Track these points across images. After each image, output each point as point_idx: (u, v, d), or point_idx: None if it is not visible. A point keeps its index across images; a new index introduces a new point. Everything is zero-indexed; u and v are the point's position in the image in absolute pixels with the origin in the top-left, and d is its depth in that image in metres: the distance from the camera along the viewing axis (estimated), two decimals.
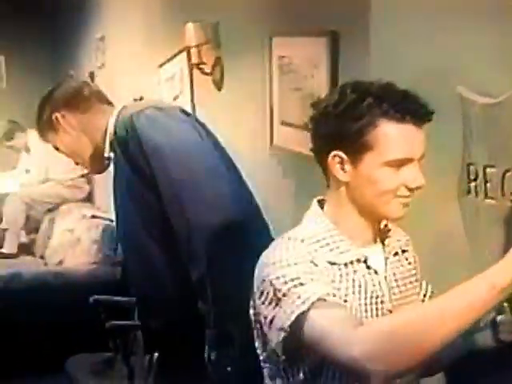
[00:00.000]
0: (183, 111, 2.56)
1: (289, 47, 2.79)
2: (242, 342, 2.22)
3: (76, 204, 5.91)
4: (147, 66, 4.54)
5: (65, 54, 7.16)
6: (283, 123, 2.91)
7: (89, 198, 6.24)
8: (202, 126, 2.56)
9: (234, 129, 3.45)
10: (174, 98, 4.17)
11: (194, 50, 3.55)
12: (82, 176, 6.19)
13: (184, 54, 3.80)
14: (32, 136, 5.89)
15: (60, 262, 5.25)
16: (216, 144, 2.52)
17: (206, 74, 3.59)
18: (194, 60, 3.57)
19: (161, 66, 4.25)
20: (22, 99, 6.89)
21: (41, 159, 5.96)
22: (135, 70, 4.93)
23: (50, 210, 5.95)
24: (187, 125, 2.46)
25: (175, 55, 3.99)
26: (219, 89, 3.58)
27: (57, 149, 2.71)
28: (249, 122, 3.34)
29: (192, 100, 3.92)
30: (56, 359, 3.76)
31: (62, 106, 2.63)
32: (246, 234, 2.32)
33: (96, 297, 3.81)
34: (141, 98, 4.75)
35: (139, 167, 2.38)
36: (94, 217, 5.33)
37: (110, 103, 2.66)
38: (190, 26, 3.48)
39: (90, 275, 4.80)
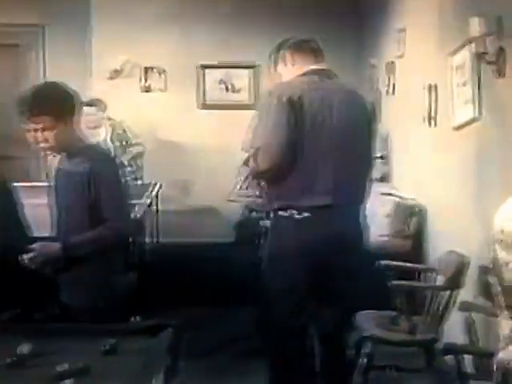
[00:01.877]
0: None
1: None
2: None
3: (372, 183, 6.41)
4: (440, 55, 4.92)
5: (368, 44, 7.71)
6: None
7: (385, 178, 6.71)
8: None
9: None
10: (463, 84, 4.52)
11: (479, 41, 3.89)
12: (381, 157, 6.69)
13: (471, 44, 4.15)
14: None
15: None
16: None
17: (490, 62, 3.90)
18: (479, 50, 3.90)
19: (451, 54, 4.62)
20: None
21: None
22: (429, 59, 5.32)
23: None
24: None
25: (463, 45, 4.34)
26: (501, 76, 3.88)
27: None
28: None
29: (478, 87, 4.25)
30: None
31: None
32: None
33: (386, 262, 4.33)
34: (434, 86, 5.16)
35: None
36: (387, 194, 5.83)
37: None
38: (475, 19, 3.83)
39: (381, 246, 5.33)
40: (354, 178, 3.54)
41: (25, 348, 2.59)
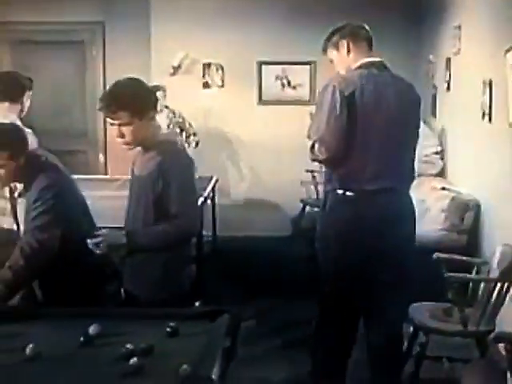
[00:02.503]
0: None
1: None
2: None
3: (428, 178, 6.45)
4: (496, 51, 4.95)
5: (426, 41, 7.74)
6: None
7: (441, 173, 6.74)
8: None
9: None
10: None
11: None
12: (436, 153, 6.73)
13: None
14: None
15: None
16: None
17: None
18: None
19: (507, 51, 4.65)
20: None
21: None
22: (485, 55, 5.36)
23: None
24: None
25: None
26: None
27: None
28: None
29: None
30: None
31: None
32: None
33: (439, 254, 4.39)
34: (490, 82, 5.19)
35: None
36: (443, 189, 5.88)
37: None
38: None
39: (437, 241, 5.39)
40: (401, 165, 3.81)
41: (94, 329, 2.76)
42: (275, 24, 8.08)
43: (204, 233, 6.78)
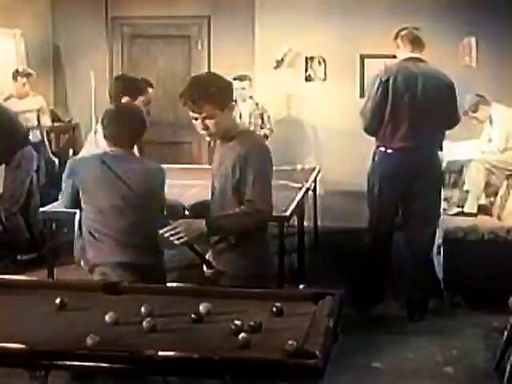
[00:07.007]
0: None
1: None
2: None
3: None
4: None
5: None
6: None
7: None
8: None
9: None
10: None
11: None
12: None
13: None
14: (495, 109, 6.53)
15: None
16: None
17: None
18: None
19: None
20: (490, 76, 7.56)
21: (501, 130, 6.55)
22: None
23: (508, 177, 6.50)
24: None
25: None
26: None
27: None
28: None
29: None
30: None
31: None
32: None
33: None
34: None
35: None
36: None
37: None
38: None
39: None
40: (426, 131, 5.26)
41: (204, 307, 2.93)
42: (378, 18, 8.07)
43: (306, 223, 6.91)
